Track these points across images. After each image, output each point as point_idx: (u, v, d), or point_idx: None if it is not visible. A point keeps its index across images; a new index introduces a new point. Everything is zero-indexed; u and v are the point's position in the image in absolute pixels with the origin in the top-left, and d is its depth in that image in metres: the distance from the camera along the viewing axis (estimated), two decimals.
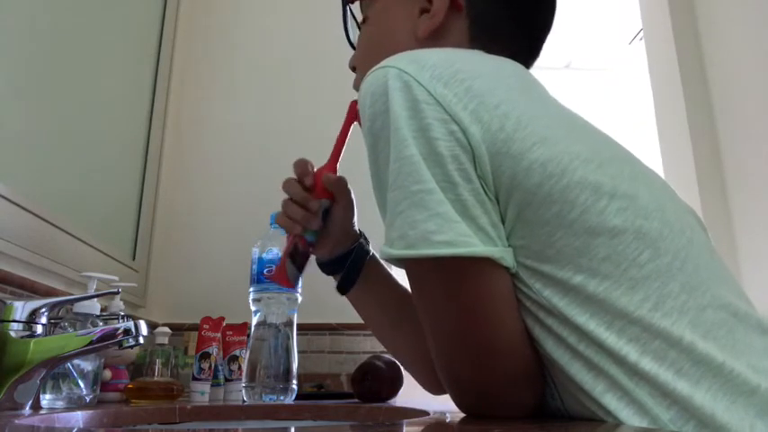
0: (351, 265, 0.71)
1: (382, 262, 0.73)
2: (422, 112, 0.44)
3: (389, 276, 0.74)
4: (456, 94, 0.45)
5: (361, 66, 0.67)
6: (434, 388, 0.72)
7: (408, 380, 0.85)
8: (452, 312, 0.45)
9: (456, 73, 0.46)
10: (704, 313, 0.44)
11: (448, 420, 0.54)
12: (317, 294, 0.97)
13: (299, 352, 0.95)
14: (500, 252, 0.43)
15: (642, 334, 0.42)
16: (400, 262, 0.46)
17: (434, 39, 0.60)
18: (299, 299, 0.96)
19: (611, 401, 0.42)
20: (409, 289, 0.50)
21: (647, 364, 0.42)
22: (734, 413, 0.41)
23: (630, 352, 0.42)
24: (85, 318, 0.78)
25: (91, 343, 0.66)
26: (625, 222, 0.44)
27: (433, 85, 0.45)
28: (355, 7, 0.72)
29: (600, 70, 3.39)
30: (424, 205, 0.43)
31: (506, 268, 0.44)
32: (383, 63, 0.48)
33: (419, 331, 0.51)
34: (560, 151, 0.44)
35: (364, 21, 0.68)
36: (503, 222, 0.45)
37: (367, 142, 0.49)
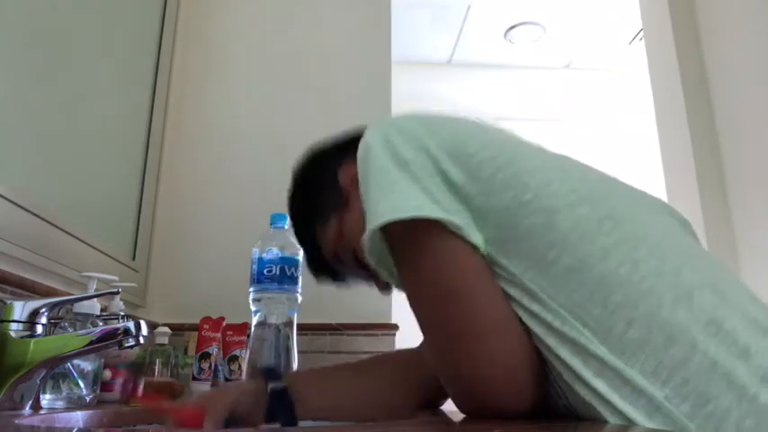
0: (279, 408, 0.63)
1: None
2: (390, 139, 0.54)
3: (329, 376, 0.71)
4: (419, 123, 0.56)
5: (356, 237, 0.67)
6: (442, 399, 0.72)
7: None
8: (428, 285, 0.49)
9: (415, 114, 0.58)
10: (681, 275, 0.45)
11: (448, 420, 0.54)
12: (317, 294, 0.97)
13: (299, 352, 0.95)
14: (462, 224, 0.48)
15: (625, 300, 0.43)
16: (379, 240, 0.52)
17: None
18: (299, 299, 0.96)
19: (602, 385, 0.42)
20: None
21: (636, 333, 0.42)
22: (733, 381, 0.40)
23: (617, 323, 0.43)
24: (85, 318, 0.78)
25: (91, 343, 0.66)
26: (579, 199, 0.49)
27: (399, 122, 0.56)
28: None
29: (600, 70, 3.38)
30: (392, 190, 0.50)
31: (474, 247, 0.48)
32: (363, 136, 0.58)
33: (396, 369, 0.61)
34: (508, 149, 0.53)
35: (355, 256, 0.71)
36: (478, 218, 0.50)
37: (360, 188, 0.56)
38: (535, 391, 0.47)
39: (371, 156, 0.54)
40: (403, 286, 0.53)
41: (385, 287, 0.75)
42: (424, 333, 0.51)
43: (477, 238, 0.48)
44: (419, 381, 0.66)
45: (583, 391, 0.44)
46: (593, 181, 0.53)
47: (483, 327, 0.46)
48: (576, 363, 0.44)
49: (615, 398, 0.42)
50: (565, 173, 0.52)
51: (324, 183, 0.76)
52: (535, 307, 0.46)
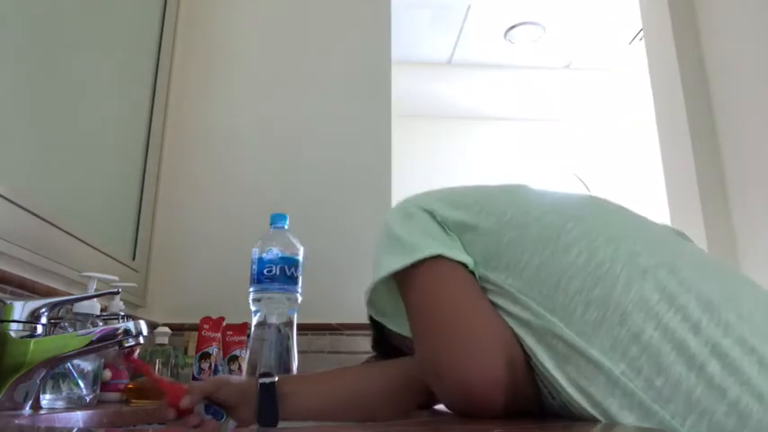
0: (262, 404, 0.64)
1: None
2: (406, 210, 0.63)
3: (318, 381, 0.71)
4: (427, 194, 0.66)
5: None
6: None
7: None
8: (422, 307, 0.56)
9: (438, 193, 0.66)
10: (637, 258, 0.48)
11: (447, 420, 0.54)
12: (317, 294, 0.97)
13: (299, 352, 0.95)
14: (448, 250, 0.56)
15: (583, 285, 0.47)
16: (384, 288, 0.62)
17: None
18: (299, 299, 0.96)
19: (572, 370, 0.46)
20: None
21: (594, 313, 0.46)
22: (682, 352, 0.42)
23: (577, 307, 0.47)
24: (85, 318, 0.78)
25: (91, 343, 0.66)
26: (546, 211, 0.56)
27: (419, 200, 0.65)
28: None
29: (600, 70, 3.38)
30: (393, 247, 0.60)
31: (459, 263, 0.56)
32: None
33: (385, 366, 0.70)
34: (491, 193, 0.63)
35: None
36: (469, 245, 0.59)
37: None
38: (512, 383, 0.48)
39: (385, 225, 0.64)
40: (407, 314, 0.59)
41: None
42: (417, 346, 0.55)
43: (465, 258, 0.56)
44: (408, 383, 0.66)
45: (558, 381, 0.47)
46: (561, 201, 0.60)
47: (468, 329, 0.51)
48: (550, 355, 0.48)
49: (582, 380, 0.45)
50: (542, 202, 0.60)
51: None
52: (516, 308, 0.51)
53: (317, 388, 0.68)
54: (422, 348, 0.54)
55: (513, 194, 0.63)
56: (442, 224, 0.61)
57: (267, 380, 0.65)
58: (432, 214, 0.62)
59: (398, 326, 0.66)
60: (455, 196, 0.64)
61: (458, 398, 0.50)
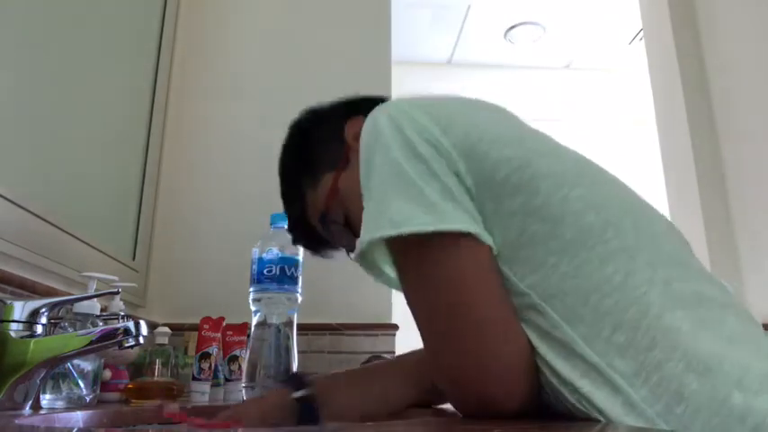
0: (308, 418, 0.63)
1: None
2: (403, 129, 0.51)
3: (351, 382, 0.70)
4: (430, 116, 0.52)
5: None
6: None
7: None
8: (441, 288, 0.48)
9: (429, 104, 0.55)
10: (672, 285, 0.47)
11: (448, 420, 0.54)
12: (317, 294, 0.97)
13: (299, 352, 0.95)
14: (479, 229, 0.48)
15: (615, 306, 0.45)
16: (387, 245, 0.50)
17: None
18: (299, 299, 0.96)
19: (586, 385, 0.44)
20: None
21: (621, 336, 0.44)
22: (705, 384, 0.42)
23: (605, 327, 0.44)
24: (85, 318, 0.78)
25: (91, 343, 0.66)
26: (587, 206, 0.48)
27: (412, 111, 0.53)
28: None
29: (600, 70, 3.38)
30: (408, 193, 0.48)
31: (488, 246, 0.48)
32: (373, 112, 0.56)
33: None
34: (524, 149, 0.51)
35: (345, 219, 0.69)
36: (485, 222, 0.49)
37: (361, 167, 0.53)
38: (528, 392, 0.47)
39: (381, 143, 0.51)
40: (404, 287, 0.52)
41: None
42: (426, 338, 0.50)
43: (489, 239, 0.48)
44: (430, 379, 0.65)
45: (569, 394, 0.45)
46: (602, 184, 0.52)
47: (490, 319, 0.46)
48: (564, 367, 0.45)
49: (595, 398, 0.43)
50: (578, 176, 0.51)
51: (325, 136, 0.73)
52: (531, 314, 0.47)
53: (352, 391, 0.67)
54: (436, 347, 0.49)
55: (548, 157, 0.51)
56: (462, 180, 0.49)
57: (305, 396, 0.62)
58: (449, 160, 0.50)
59: (390, 284, 0.58)
60: (473, 141, 0.50)
61: (473, 407, 0.48)
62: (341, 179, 0.68)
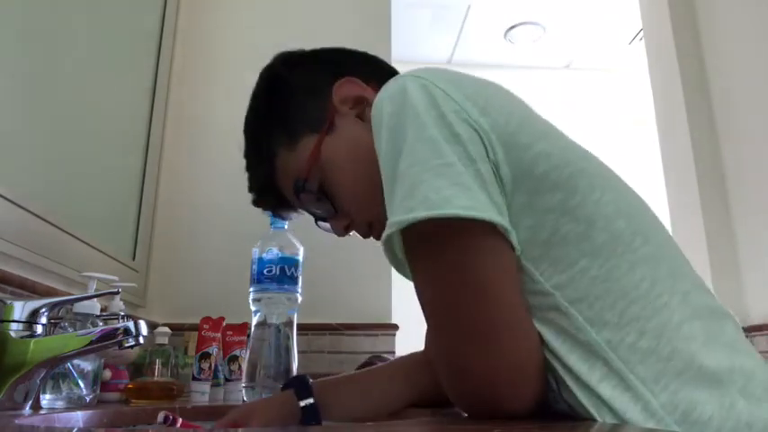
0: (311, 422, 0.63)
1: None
2: (439, 104, 0.47)
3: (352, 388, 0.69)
4: (466, 95, 0.49)
5: (357, 204, 0.63)
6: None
7: None
8: (458, 281, 0.45)
9: (464, 81, 0.52)
10: (689, 296, 0.48)
11: (448, 420, 0.54)
12: (317, 294, 0.97)
13: (299, 352, 0.95)
14: (510, 226, 0.45)
15: (642, 313, 0.45)
16: (410, 230, 0.45)
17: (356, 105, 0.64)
18: (299, 299, 0.96)
19: (606, 390, 0.44)
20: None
21: (645, 343, 0.44)
22: (714, 393, 0.44)
23: (630, 333, 0.45)
24: (85, 318, 0.78)
25: (91, 343, 0.66)
26: (617, 212, 0.48)
27: (447, 86, 0.49)
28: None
29: (600, 70, 3.38)
30: (446, 175, 0.44)
31: (512, 248, 0.46)
32: (398, 77, 0.52)
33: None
34: (561, 146, 0.50)
35: (320, 187, 0.64)
36: (514, 215, 0.47)
37: (383, 138, 0.49)
38: (539, 393, 0.47)
39: (414, 117, 0.47)
40: (421, 272, 0.48)
41: (343, 228, 0.67)
42: (435, 324, 0.47)
43: (516, 240, 0.46)
44: (433, 380, 0.64)
45: (585, 396, 0.45)
46: (625, 192, 0.52)
47: (503, 323, 0.45)
48: (583, 368, 0.45)
49: (615, 403, 0.43)
50: (606, 180, 0.50)
51: (306, 91, 0.65)
52: (553, 315, 0.46)
53: (353, 393, 0.67)
54: (446, 343, 0.47)
55: (582, 159, 0.50)
56: (497, 169, 0.46)
57: (308, 403, 0.61)
58: (488, 145, 0.46)
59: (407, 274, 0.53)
60: (512, 131, 0.48)
61: (483, 408, 0.46)
62: (324, 145, 0.62)
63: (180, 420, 0.68)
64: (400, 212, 0.45)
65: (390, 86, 0.51)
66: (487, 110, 0.48)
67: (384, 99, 0.51)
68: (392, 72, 0.68)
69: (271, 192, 0.70)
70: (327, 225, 0.70)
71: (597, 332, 0.45)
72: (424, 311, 0.48)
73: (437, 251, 0.46)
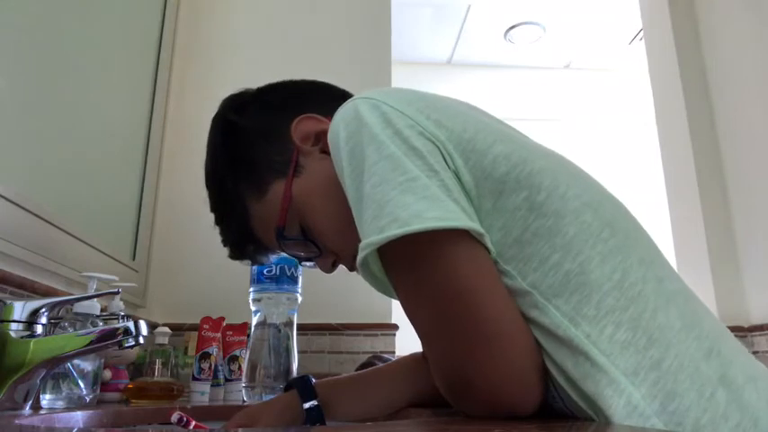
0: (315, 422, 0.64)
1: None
2: (393, 121, 0.49)
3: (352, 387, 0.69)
4: (418, 109, 0.50)
5: (341, 240, 0.62)
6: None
7: None
8: (442, 294, 0.45)
9: (414, 97, 0.53)
10: (663, 283, 0.48)
11: (447, 420, 0.54)
12: (317, 294, 0.97)
13: (299, 352, 0.95)
14: (482, 230, 0.46)
15: (617, 304, 0.45)
16: (386, 249, 0.45)
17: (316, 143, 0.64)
18: (299, 299, 0.96)
19: (591, 386, 0.44)
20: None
21: (623, 335, 0.44)
22: (695, 380, 0.43)
23: (608, 325, 0.45)
24: (85, 318, 0.78)
25: (91, 343, 0.66)
26: (584, 205, 0.48)
27: (397, 104, 0.50)
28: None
29: (600, 70, 3.39)
30: (412, 190, 0.45)
31: (487, 250, 0.46)
32: (348, 102, 0.53)
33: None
34: (517, 146, 0.50)
35: (302, 230, 0.63)
36: (484, 220, 0.48)
37: (343, 163, 0.50)
38: (542, 392, 0.47)
39: (370, 137, 0.48)
40: (405, 289, 0.48)
41: (329, 265, 0.66)
42: (430, 340, 0.47)
43: (489, 242, 0.46)
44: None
45: (575, 394, 0.45)
46: (591, 186, 0.53)
47: (498, 328, 0.45)
48: (569, 365, 0.44)
49: (599, 399, 0.43)
50: (570, 175, 0.51)
51: (267, 136, 0.64)
52: (534, 313, 0.46)
53: (356, 394, 0.67)
54: (441, 358, 0.47)
55: (541, 157, 0.50)
56: (459, 177, 0.47)
57: (312, 405, 0.62)
58: (446, 155, 0.47)
59: (389, 292, 0.52)
60: (468, 138, 0.49)
61: (483, 410, 0.46)
62: (295, 187, 0.62)
63: (193, 422, 0.68)
64: (372, 233, 0.45)
65: (343, 111, 0.52)
66: (441, 121, 0.49)
67: (339, 124, 0.51)
68: (345, 95, 0.68)
69: (247, 243, 0.70)
70: (311, 263, 0.69)
71: (576, 327, 0.44)
72: (414, 327, 0.48)
73: (416, 266, 0.46)
